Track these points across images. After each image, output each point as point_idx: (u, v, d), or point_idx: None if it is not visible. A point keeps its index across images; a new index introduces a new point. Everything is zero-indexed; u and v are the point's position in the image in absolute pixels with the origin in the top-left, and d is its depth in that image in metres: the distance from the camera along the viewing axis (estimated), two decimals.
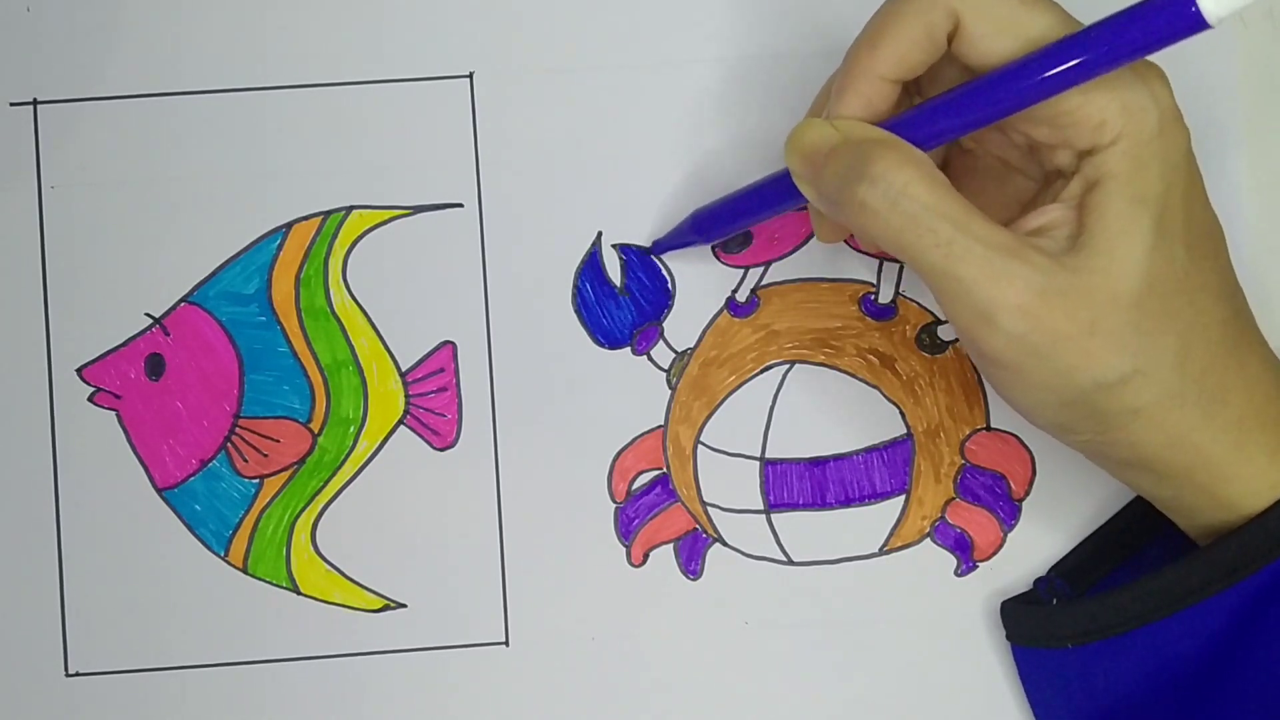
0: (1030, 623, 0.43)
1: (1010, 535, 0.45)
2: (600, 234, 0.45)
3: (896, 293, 0.45)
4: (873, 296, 0.45)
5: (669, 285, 0.45)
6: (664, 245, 0.45)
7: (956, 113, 0.36)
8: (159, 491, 0.45)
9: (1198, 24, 0.33)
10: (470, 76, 0.45)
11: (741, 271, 0.45)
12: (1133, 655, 0.39)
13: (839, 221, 0.38)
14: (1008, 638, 0.43)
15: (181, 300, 0.45)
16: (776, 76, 0.45)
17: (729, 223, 0.43)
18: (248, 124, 0.45)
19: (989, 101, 0.36)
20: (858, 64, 0.37)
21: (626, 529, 0.45)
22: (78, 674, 0.45)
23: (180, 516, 0.45)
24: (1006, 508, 0.45)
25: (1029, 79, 0.35)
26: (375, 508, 0.45)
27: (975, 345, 0.36)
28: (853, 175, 0.36)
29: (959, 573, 0.45)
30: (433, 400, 0.45)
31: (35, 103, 0.45)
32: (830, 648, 0.45)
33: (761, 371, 0.45)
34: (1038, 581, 0.44)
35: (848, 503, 0.45)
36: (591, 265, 0.45)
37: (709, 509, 0.45)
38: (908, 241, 0.35)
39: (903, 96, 0.38)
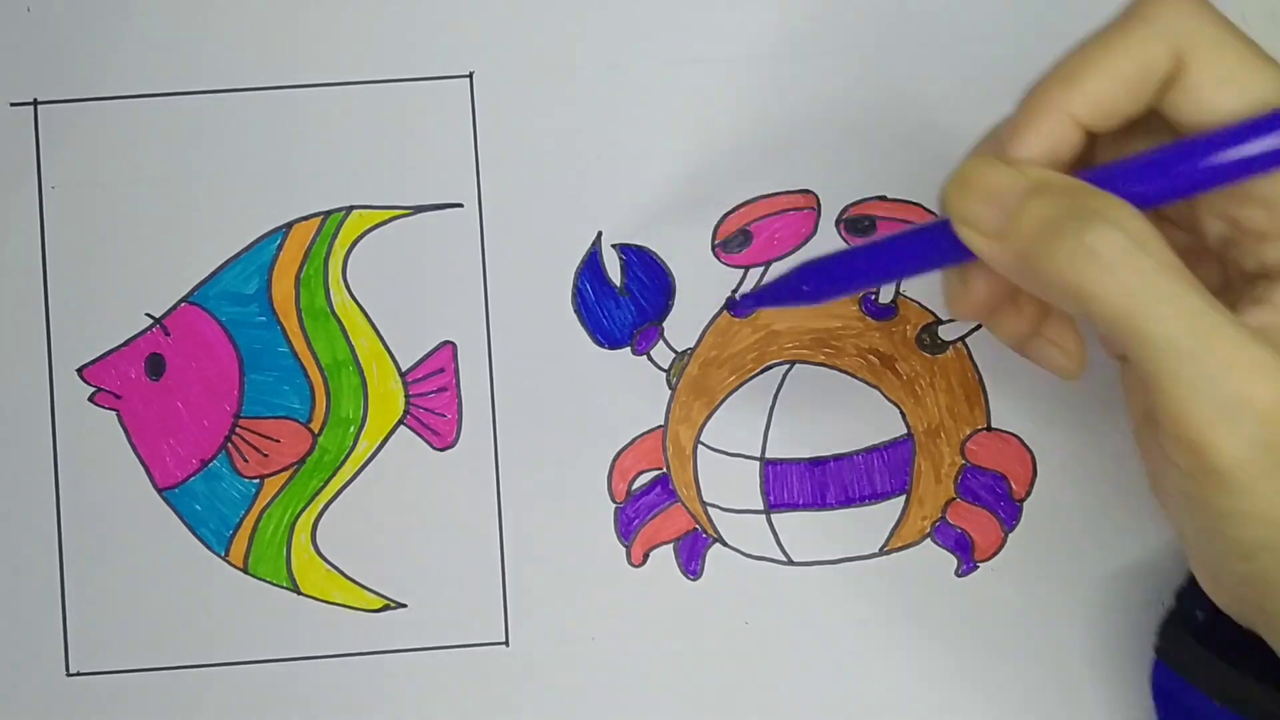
0: (1189, 658, 0.37)
1: (1011, 536, 0.45)
2: (600, 234, 0.45)
3: (897, 293, 0.45)
4: (873, 296, 0.45)
5: (669, 285, 0.45)
6: (752, 301, 0.41)
7: (1161, 174, 0.31)
8: (159, 491, 0.45)
9: None
10: (470, 76, 0.45)
11: (741, 271, 0.45)
12: None
13: (1026, 279, 0.32)
14: (1156, 651, 0.40)
15: (182, 300, 0.45)
16: (777, 76, 0.45)
17: (850, 281, 0.37)
18: (248, 124, 0.45)
19: (1204, 168, 0.30)
20: (1048, 98, 0.32)
21: (626, 529, 0.45)
22: (78, 674, 0.45)
23: (180, 516, 0.45)
24: (1007, 508, 0.45)
25: (1257, 145, 0.30)
26: (375, 508, 0.45)
27: (1198, 448, 0.30)
28: (1073, 221, 0.30)
29: (959, 573, 0.45)
30: (433, 400, 0.45)
31: (36, 103, 0.45)
32: (830, 648, 0.45)
33: (762, 371, 0.45)
34: (1181, 594, 0.39)
35: (848, 503, 0.45)
36: (591, 265, 0.45)
37: (709, 509, 0.45)
38: (1140, 304, 0.29)
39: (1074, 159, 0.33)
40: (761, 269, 0.45)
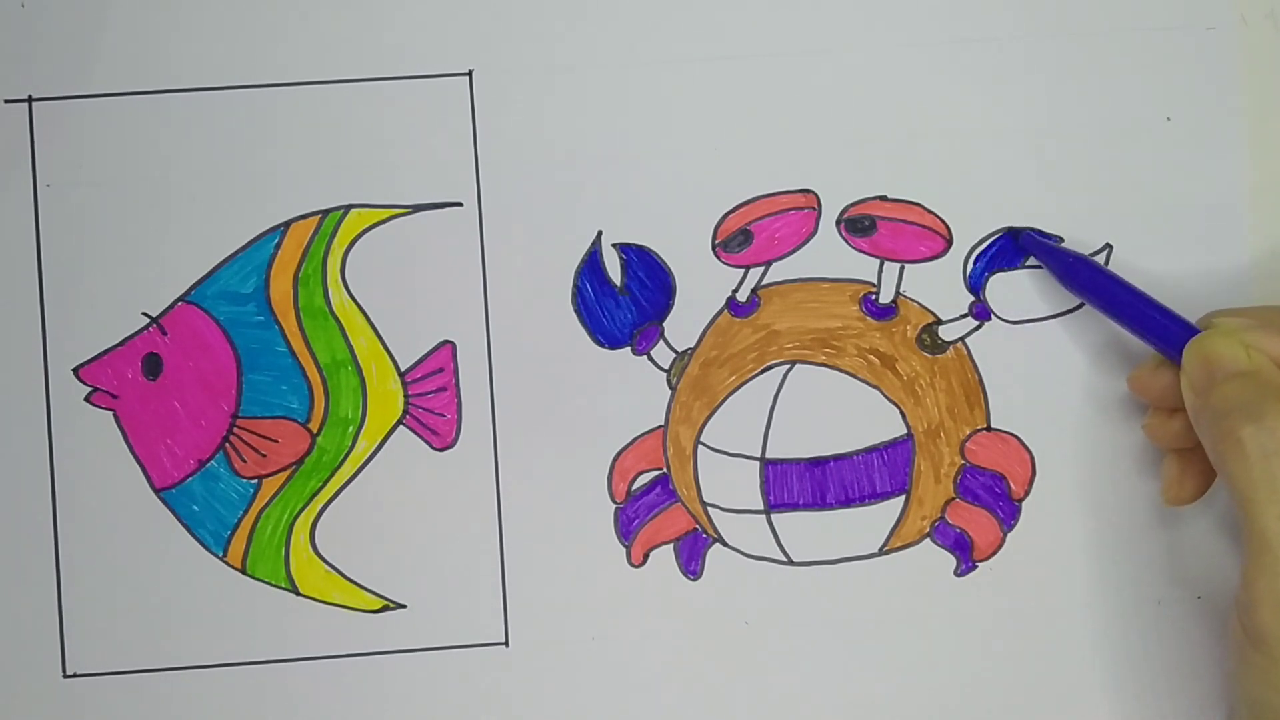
0: None
1: (1010, 535, 0.45)
2: (600, 234, 0.45)
3: (897, 293, 0.45)
4: (873, 296, 0.45)
5: (669, 285, 0.45)
6: (1035, 243, 0.44)
7: None
8: (157, 492, 0.45)
9: None
10: (470, 74, 0.45)
11: (742, 271, 0.45)
12: None
13: (1199, 431, 0.39)
14: None
15: (179, 299, 0.45)
16: (777, 76, 0.45)
17: (1094, 295, 0.43)
18: (246, 121, 0.45)
19: None
20: None
21: (626, 529, 0.45)
22: (75, 675, 0.44)
23: (178, 517, 0.45)
24: (1006, 508, 0.45)
25: None
26: (374, 508, 0.45)
27: (1255, 622, 0.37)
28: (1244, 409, 0.37)
29: (959, 573, 0.45)
30: (432, 400, 0.45)
31: (30, 100, 0.45)
32: (830, 648, 0.45)
33: (762, 371, 0.45)
34: None
35: (848, 503, 0.45)
36: (591, 265, 0.45)
37: (709, 509, 0.45)
38: (1258, 495, 0.36)
39: None
40: (762, 269, 0.45)
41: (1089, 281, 0.43)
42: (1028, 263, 0.45)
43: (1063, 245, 0.44)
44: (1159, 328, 0.42)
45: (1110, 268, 0.44)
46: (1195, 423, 0.40)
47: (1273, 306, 0.42)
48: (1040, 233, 0.45)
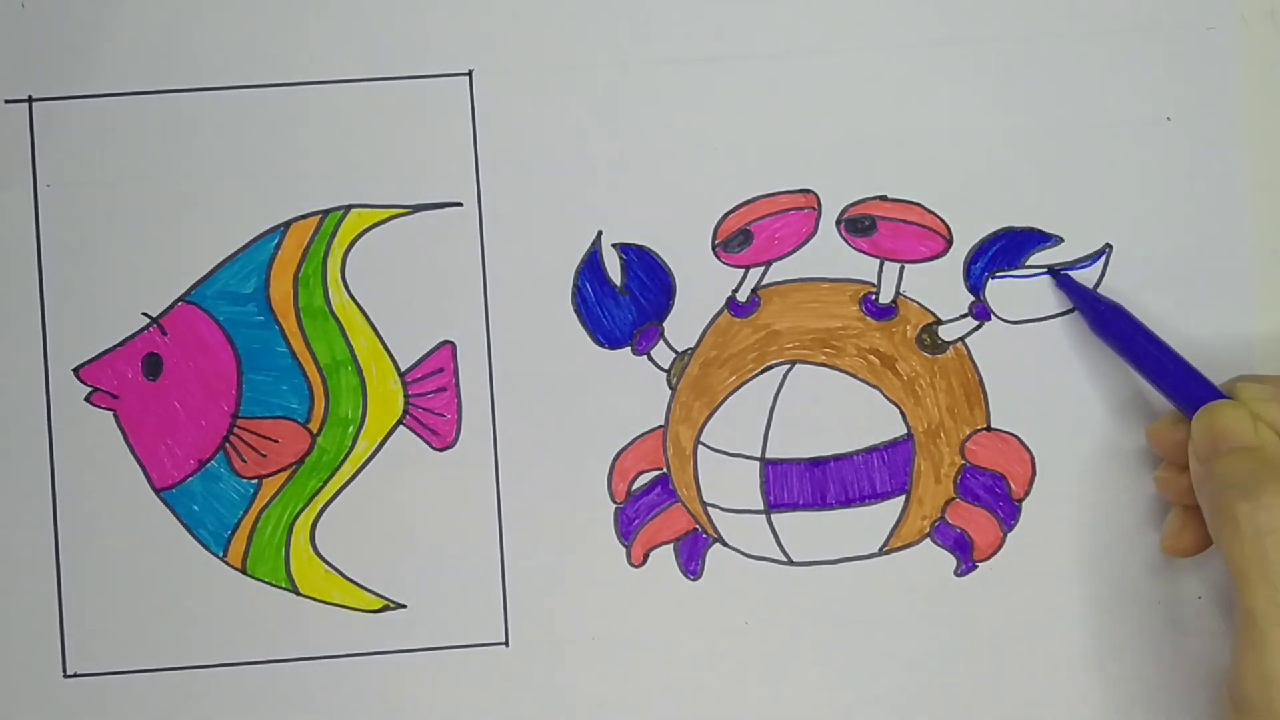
0: None
1: (1010, 535, 0.45)
2: (600, 234, 0.45)
3: (897, 293, 0.45)
4: (873, 296, 0.45)
5: (669, 285, 0.45)
6: (1070, 285, 0.44)
7: None
8: (157, 492, 0.45)
9: None
10: (469, 74, 0.45)
11: (742, 271, 0.45)
12: None
13: (1199, 499, 0.40)
14: None
15: (179, 299, 0.45)
16: (777, 76, 0.45)
17: (1124, 341, 0.43)
18: (246, 121, 0.45)
19: None
20: None
21: (626, 529, 0.45)
22: (76, 675, 0.44)
23: (178, 517, 0.45)
24: (1006, 508, 0.45)
25: None
26: (374, 508, 0.45)
27: (1243, 696, 0.37)
28: (1241, 487, 0.38)
29: (959, 573, 0.45)
30: (432, 400, 0.45)
31: (30, 100, 0.45)
32: (830, 648, 0.45)
33: (762, 371, 0.45)
34: None
35: (848, 503, 0.45)
36: (591, 265, 0.45)
37: (709, 509, 0.45)
38: (1249, 573, 0.37)
39: None
40: (762, 269, 0.45)
41: (1118, 331, 0.43)
42: (1028, 263, 0.45)
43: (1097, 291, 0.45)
44: (1181, 386, 0.42)
45: (1112, 270, 0.44)
46: (1197, 490, 0.40)
47: None
48: (1040, 233, 0.45)
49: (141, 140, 0.45)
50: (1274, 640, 0.37)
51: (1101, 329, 0.44)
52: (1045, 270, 0.45)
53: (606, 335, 0.45)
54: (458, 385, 0.45)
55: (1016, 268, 0.45)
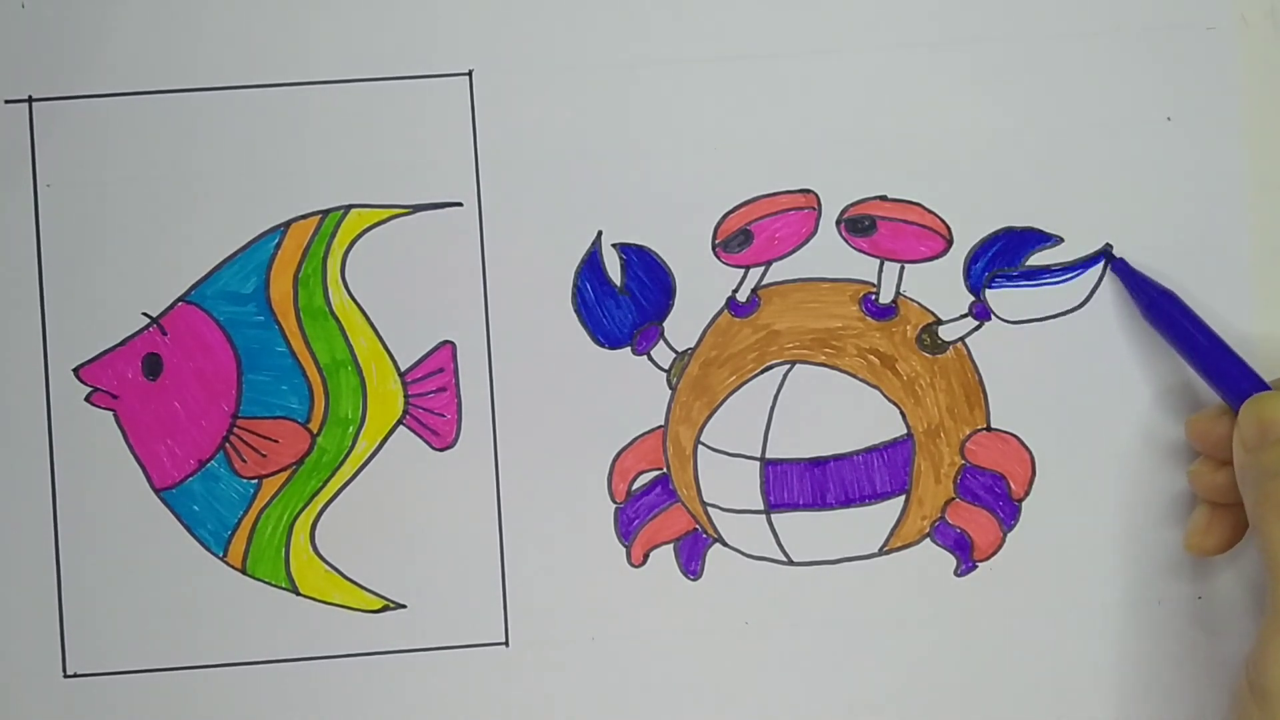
0: None
1: (1010, 535, 0.45)
2: (600, 234, 0.45)
3: (897, 293, 0.45)
4: (873, 296, 0.45)
5: (669, 285, 0.45)
6: (1127, 272, 0.44)
7: None
8: (157, 492, 0.45)
9: None
10: (470, 74, 0.45)
11: (742, 271, 0.45)
12: None
13: (1242, 488, 0.40)
14: None
15: (179, 299, 0.45)
16: (777, 76, 0.45)
17: (1176, 330, 0.43)
18: (246, 121, 0.45)
19: None
20: None
21: (626, 529, 0.45)
22: (76, 675, 0.44)
23: (178, 517, 0.45)
24: (1006, 508, 0.45)
25: None
26: (374, 508, 0.45)
27: (1266, 685, 0.37)
28: None
29: (959, 573, 0.45)
30: (432, 400, 0.45)
31: (30, 100, 0.45)
32: (830, 648, 0.45)
33: (762, 371, 0.45)
34: None
35: (848, 503, 0.45)
36: (591, 265, 0.45)
37: (709, 509, 0.45)
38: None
39: None
40: (762, 269, 0.45)
41: (1169, 319, 0.43)
42: (1028, 263, 0.45)
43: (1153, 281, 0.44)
44: (1229, 378, 0.42)
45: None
46: (1240, 479, 0.40)
47: None
48: (1040, 233, 0.45)
49: (141, 140, 0.45)
50: None
51: (1155, 316, 0.44)
52: (1101, 256, 0.44)
53: (606, 335, 0.45)
54: (458, 385, 0.45)
55: (1016, 267, 0.45)
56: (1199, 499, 0.44)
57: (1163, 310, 0.44)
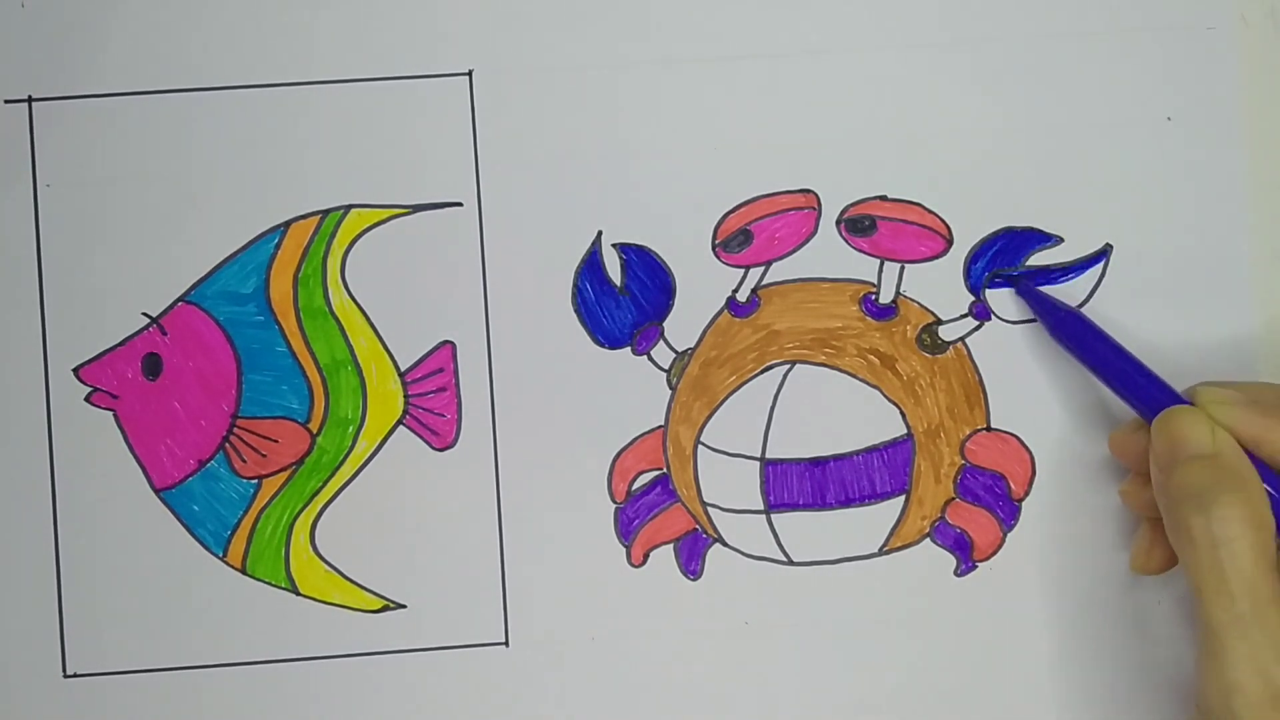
0: None
1: (1010, 535, 0.45)
2: (600, 234, 0.45)
3: (897, 293, 0.45)
4: (873, 296, 0.45)
5: (669, 285, 0.45)
6: (1029, 292, 0.44)
7: None
8: (157, 492, 0.45)
9: None
10: (469, 74, 0.45)
11: (742, 271, 0.45)
12: None
13: (1160, 510, 0.39)
14: None
15: (179, 299, 0.45)
16: (777, 76, 0.45)
17: (1084, 347, 0.43)
18: (245, 121, 0.45)
19: None
20: None
21: (626, 529, 0.45)
22: (76, 675, 0.44)
23: (178, 517, 0.45)
24: (1006, 508, 0.45)
25: None
26: (374, 508, 0.45)
27: (1208, 709, 0.37)
28: (1197, 498, 0.37)
29: (959, 573, 0.45)
30: (432, 400, 0.45)
31: (30, 100, 0.45)
32: (830, 648, 0.45)
33: (762, 371, 0.45)
34: None
35: (848, 503, 0.45)
36: (591, 265, 0.45)
37: (709, 509, 0.45)
38: (1206, 584, 0.37)
39: None
40: (762, 269, 0.45)
41: (1076, 337, 0.43)
42: (1028, 263, 0.45)
43: (1059, 298, 0.44)
44: (1143, 393, 0.41)
45: (1117, 268, 0.44)
46: (1158, 500, 0.39)
47: (1266, 384, 0.41)
48: (1040, 233, 0.45)
49: (141, 140, 0.45)
50: (1233, 652, 0.36)
51: (1059, 334, 0.43)
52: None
53: (606, 335, 0.45)
54: (458, 385, 0.45)
55: (1016, 267, 0.45)
56: (1136, 519, 0.43)
57: (1066, 328, 0.43)
